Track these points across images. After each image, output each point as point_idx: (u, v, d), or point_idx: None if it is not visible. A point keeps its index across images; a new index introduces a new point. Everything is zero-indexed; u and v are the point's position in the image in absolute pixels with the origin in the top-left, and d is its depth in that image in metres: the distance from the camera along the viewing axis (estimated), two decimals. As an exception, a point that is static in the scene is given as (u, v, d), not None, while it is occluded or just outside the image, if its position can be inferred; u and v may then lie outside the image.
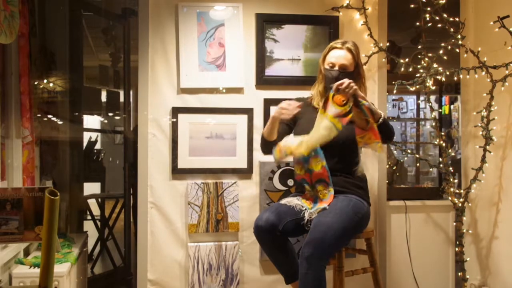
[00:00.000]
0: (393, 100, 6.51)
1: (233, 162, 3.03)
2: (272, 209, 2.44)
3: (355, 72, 2.52)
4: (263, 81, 3.05)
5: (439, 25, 3.01)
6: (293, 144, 2.37)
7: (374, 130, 2.32)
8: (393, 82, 3.07)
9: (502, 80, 2.85)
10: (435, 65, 3.04)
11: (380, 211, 3.16)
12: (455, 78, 3.07)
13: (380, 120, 2.36)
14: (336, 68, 2.48)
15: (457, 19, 3.02)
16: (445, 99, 6.47)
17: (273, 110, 3.00)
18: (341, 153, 2.44)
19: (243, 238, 3.04)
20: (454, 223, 3.13)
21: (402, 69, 3.10)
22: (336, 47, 2.52)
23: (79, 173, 3.80)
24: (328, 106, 2.32)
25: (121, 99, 4.24)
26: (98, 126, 5.35)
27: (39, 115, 3.17)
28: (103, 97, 4.24)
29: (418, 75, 3.08)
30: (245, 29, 3.04)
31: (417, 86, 3.08)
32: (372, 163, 3.15)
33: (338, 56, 2.49)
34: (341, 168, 2.43)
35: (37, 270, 2.34)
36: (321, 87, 2.58)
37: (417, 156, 3.47)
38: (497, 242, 3.05)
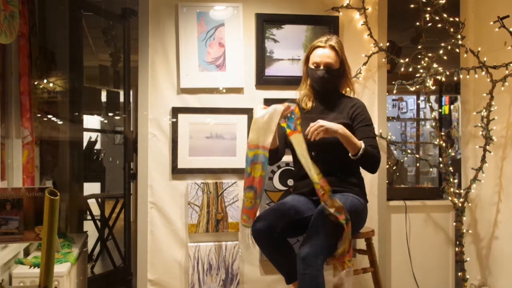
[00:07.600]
0: (393, 100, 6.52)
1: (233, 162, 3.03)
2: (269, 211, 2.44)
3: (340, 69, 2.50)
4: (263, 81, 3.05)
5: (439, 25, 3.01)
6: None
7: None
8: (393, 82, 3.07)
9: (502, 80, 2.84)
10: (435, 65, 3.04)
11: (380, 211, 3.16)
12: (455, 78, 3.07)
13: (359, 153, 2.31)
14: (321, 67, 2.47)
15: (457, 19, 3.02)
16: (445, 99, 6.47)
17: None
18: (335, 153, 2.42)
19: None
20: (454, 223, 3.13)
21: (402, 69, 3.10)
22: (319, 46, 2.48)
23: (79, 173, 3.80)
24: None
25: (121, 99, 4.24)
26: (98, 126, 5.35)
27: (39, 115, 3.16)
28: (103, 97, 4.23)
29: (418, 75, 3.08)
30: (245, 29, 3.04)
31: (417, 86, 3.08)
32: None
33: (322, 54, 2.46)
34: (336, 167, 2.43)
35: (37, 270, 2.33)
36: (306, 89, 2.57)
37: (417, 156, 3.48)
38: (497, 242, 3.05)
